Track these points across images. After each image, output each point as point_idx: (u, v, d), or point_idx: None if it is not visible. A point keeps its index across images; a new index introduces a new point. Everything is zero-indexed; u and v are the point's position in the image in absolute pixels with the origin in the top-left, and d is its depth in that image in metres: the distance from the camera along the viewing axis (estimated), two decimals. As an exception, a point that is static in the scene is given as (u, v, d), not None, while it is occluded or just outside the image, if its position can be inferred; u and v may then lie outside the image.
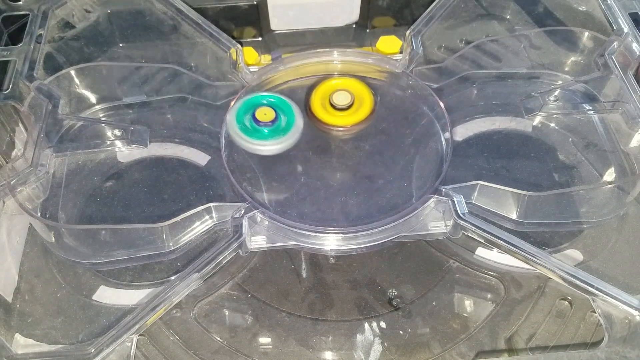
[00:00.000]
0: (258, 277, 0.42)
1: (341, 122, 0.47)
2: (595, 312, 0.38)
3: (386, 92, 0.51)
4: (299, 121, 0.43)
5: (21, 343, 0.39)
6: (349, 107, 0.46)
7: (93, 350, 0.35)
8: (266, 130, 0.42)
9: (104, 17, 0.54)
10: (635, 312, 0.36)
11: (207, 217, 0.41)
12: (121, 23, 0.55)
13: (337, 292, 0.42)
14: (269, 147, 0.44)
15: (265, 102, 0.43)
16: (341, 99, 0.46)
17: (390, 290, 0.42)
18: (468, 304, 0.41)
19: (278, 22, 0.58)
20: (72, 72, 0.49)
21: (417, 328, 0.40)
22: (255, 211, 0.41)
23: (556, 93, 0.50)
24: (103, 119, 0.51)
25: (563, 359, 0.35)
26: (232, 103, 0.48)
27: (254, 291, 0.42)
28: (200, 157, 0.48)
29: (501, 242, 0.39)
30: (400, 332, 0.40)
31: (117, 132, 0.47)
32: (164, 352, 0.39)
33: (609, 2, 0.51)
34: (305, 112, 0.47)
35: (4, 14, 0.51)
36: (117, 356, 0.36)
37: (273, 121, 0.42)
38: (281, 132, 0.43)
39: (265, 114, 0.43)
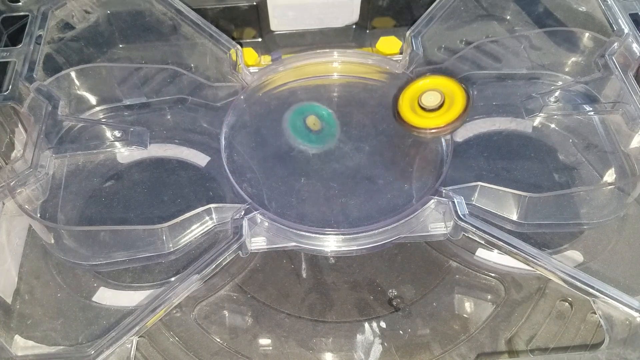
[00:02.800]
0: (258, 278, 0.42)
1: (433, 123, 0.44)
2: (595, 313, 0.38)
3: (386, 93, 0.51)
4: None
5: (21, 345, 0.39)
6: (440, 107, 0.44)
7: (93, 352, 0.35)
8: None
9: (104, 18, 0.54)
10: (635, 314, 0.36)
11: (207, 218, 0.41)
12: (121, 24, 0.55)
13: (337, 293, 0.42)
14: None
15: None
16: (431, 100, 0.44)
17: (391, 291, 0.42)
18: (468, 305, 0.41)
19: (278, 22, 0.58)
20: (72, 73, 0.49)
21: (418, 329, 0.40)
22: (256, 212, 0.41)
23: (556, 94, 0.50)
24: (103, 120, 0.51)
25: (563, 360, 0.35)
26: (231, 104, 0.48)
27: (254, 292, 0.42)
28: (200, 158, 0.47)
29: (501, 243, 0.39)
30: (401, 332, 0.40)
31: (116, 133, 0.47)
32: (164, 353, 0.39)
33: (609, 2, 0.51)
34: (394, 117, 0.45)
35: (4, 15, 0.51)
36: (117, 358, 0.36)
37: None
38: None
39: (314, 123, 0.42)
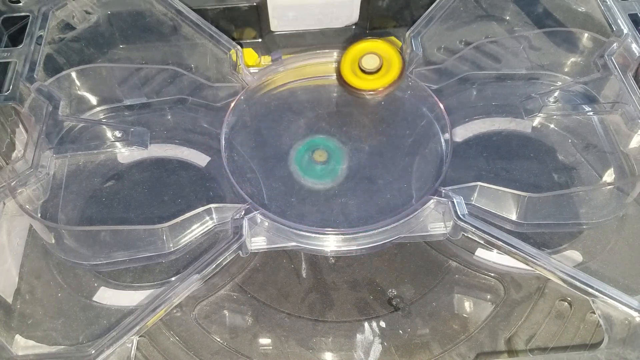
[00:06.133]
0: (258, 278, 0.42)
1: (371, 85, 0.48)
2: (594, 313, 0.38)
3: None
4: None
5: (21, 344, 0.39)
6: (378, 70, 0.47)
7: (93, 351, 0.35)
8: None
9: (104, 19, 0.54)
10: (634, 314, 0.36)
11: (207, 218, 0.41)
12: (121, 24, 0.55)
13: (337, 292, 0.42)
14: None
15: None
16: (370, 63, 0.47)
17: (390, 291, 0.42)
18: (468, 304, 0.41)
19: (278, 23, 0.58)
20: (73, 74, 0.49)
21: (417, 328, 0.40)
22: (256, 212, 0.41)
23: (556, 94, 0.50)
24: (103, 120, 0.51)
25: (563, 360, 0.35)
26: (232, 104, 0.49)
27: (254, 292, 0.42)
28: (200, 158, 0.48)
29: (501, 243, 0.39)
30: (400, 332, 0.40)
31: (117, 133, 0.47)
32: (164, 353, 0.39)
33: (608, 3, 0.51)
34: (337, 78, 0.49)
35: (4, 15, 0.51)
36: (118, 357, 0.36)
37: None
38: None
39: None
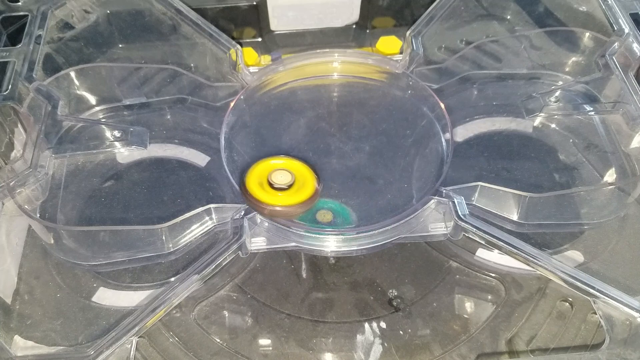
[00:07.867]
0: (258, 279, 0.42)
1: (279, 202, 0.42)
2: (596, 313, 0.38)
3: (386, 93, 0.51)
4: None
5: (20, 345, 0.38)
6: (290, 187, 0.42)
7: (92, 352, 0.35)
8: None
9: (104, 18, 0.54)
10: (636, 314, 0.36)
11: (206, 218, 0.41)
12: (120, 24, 0.55)
13: (337, 293, 0.42)
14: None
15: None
16: (281, 179, 0.43)
17: (391, 291, 0.42)
18: (469, 305, 0.41)
19: (278, 22, 0.58)
20: (72, 73, 0.49)
21: (418, 329, 0.40)
22: (255, 212, 0.41)
23: (557, 94, 0.50)
24: (102, 120, 0.51)
25: (564, 361, 0.35)
26: (231, 104, 0.48)
27: (253, 292, 0.42)
28: (199, 158, 0.47)
29: (502, 243, 0.39)
30: (401, 332, 0.40)
31: (116, 133, 0.47)
32: (163, 353, 0.39)
33: (609, 2, 0.51)
34: (240, 190, 0.43)
35: (3, 15, 0.51)
36: (117, 358, 0.36)
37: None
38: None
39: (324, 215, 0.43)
